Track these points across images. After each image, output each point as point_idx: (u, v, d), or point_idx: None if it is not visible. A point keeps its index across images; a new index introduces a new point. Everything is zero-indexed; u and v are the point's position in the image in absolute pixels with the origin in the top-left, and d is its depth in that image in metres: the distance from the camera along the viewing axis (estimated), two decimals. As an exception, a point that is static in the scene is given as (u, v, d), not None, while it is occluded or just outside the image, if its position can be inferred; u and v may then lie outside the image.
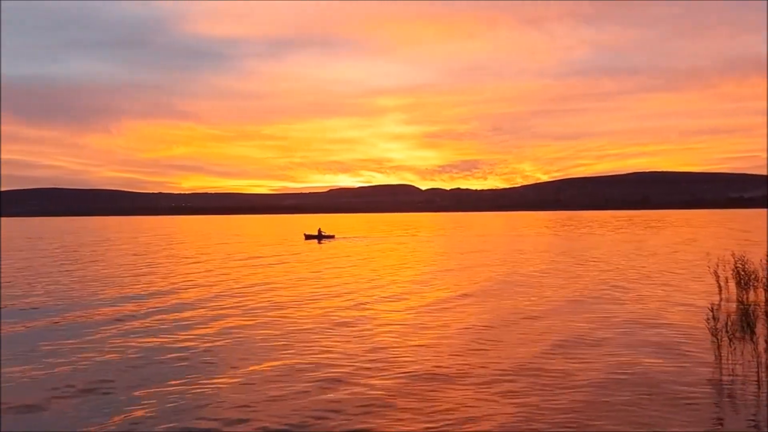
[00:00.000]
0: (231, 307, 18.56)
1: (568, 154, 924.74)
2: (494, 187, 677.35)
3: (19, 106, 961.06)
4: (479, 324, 15.35)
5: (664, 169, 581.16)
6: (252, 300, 20.05)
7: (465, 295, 20.46)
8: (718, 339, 11.53)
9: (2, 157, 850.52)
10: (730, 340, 11.35)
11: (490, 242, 53.19)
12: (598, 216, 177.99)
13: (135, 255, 42.87)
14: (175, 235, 79.93)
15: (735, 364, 11.05)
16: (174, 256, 41.57)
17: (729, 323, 11.57)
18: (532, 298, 19.54)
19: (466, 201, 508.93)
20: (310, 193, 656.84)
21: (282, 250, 47.07)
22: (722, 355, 11.39)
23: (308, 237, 63.60)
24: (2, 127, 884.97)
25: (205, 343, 13.66)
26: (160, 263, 35.38)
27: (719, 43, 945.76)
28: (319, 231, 64.43)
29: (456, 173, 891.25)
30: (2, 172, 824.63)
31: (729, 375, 10.55)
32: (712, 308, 11.94)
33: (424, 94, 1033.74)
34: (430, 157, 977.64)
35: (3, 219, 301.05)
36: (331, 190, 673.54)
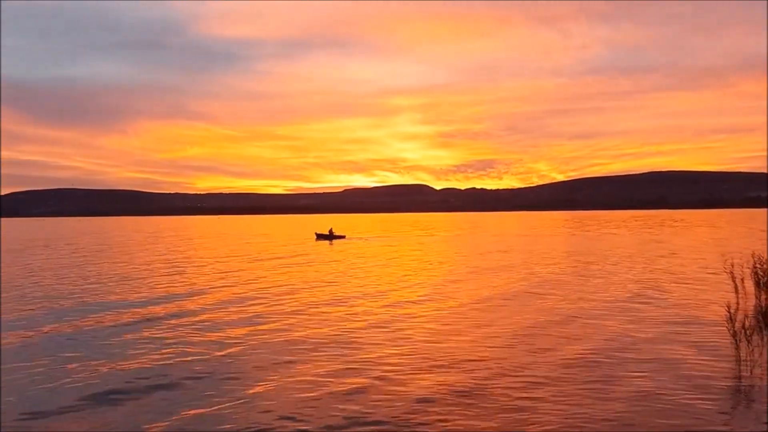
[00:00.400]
0: (268, 307, 18.56)
1: (583, 154, 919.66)
2: (510, 187, 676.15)
3: (38, 108, 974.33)
4: (518, 325, 15.18)
5: (681, 169, 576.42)
6: (290, 300, 20.01)
7: (496, 297, 20.37)
8: (736, 340, 11.49)
9: (20, 157, 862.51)
10: (748, 340, 11.30)
11: (509, 243, 52.95)
12: (614, 216, 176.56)
13: (163, 254, 43.30)
14: (195, 236, 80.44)
15: (754, 364, 10.98)
16: (199, 256, 41.79)
17: (746, 324, 11.52)
18: (566, 299, 19.21)
19: (482, 201, 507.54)
20: (324, 193, 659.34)
21: (305, 249, 47.24)
22: (741, 356, 11.34)
23: (319, 237, 63.92)
24: (20, 129, 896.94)
25: (254, 341, 13.70)
26: (189, 263, 35.46)
27: (737, 40, 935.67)
28: (330, 231, 64.75)
29: (471, 173, 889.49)
30: (21, 173, 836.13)
31: (748, 375, 10.50)
32: (729, 308, 11.90)
33: (439, 93, 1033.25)
34: (445, 157, 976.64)
35: (23, 219, 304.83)
36: (345, 190, 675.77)
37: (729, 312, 11.70)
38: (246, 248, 49.78)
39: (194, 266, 33.42)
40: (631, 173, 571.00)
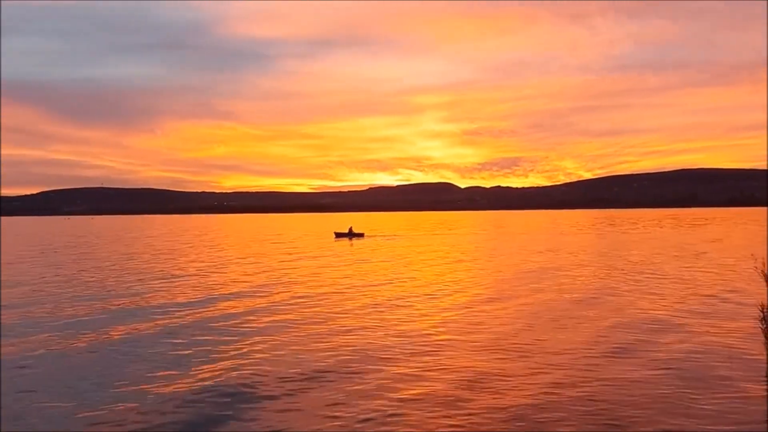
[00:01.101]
0: (326, 306, 18.67)
1: (611, 151, 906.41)
2: (535, 185, 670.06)
3: (68, 108, 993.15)
4: (556, 320, 15.30)
5: (712, 166, 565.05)
6: (339, 299, 20.09)
7: (530, 296, 20.25)
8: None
9: (51, 157, 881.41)
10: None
11: (541, 241, 52.56)
12: (644, 214, 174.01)
13: (204, 253, 43.87)
14: (226, 234, 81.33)
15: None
16: (235, 254, 42.33)
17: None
18: (614, 307, 19.11)
19: (507, 199, 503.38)
20: (348, 191, 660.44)
21: (337, 248, 47.51)
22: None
23: (339, 235, 64.01)
24: (52, 128, 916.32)
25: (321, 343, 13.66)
26: (231, 262, 35.83)
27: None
28: (350, 229, 64.97)
29: (496, 171, 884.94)
30: (51, 172, 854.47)
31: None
32: (763, 309, 11.60)
33: (464, 91, 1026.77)
34: (470, 155, 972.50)
35: (55, 218, 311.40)
36: (369, 188, 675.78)
37: (762, 311, 11.42)
38: (284, 247, 50.13)
39: (240, 265, 33.75)
40: (660, 171, 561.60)
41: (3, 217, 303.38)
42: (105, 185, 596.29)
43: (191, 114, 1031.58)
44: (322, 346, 13.04)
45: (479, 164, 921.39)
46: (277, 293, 21.37)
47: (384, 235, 66.01)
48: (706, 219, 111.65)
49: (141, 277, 26.92)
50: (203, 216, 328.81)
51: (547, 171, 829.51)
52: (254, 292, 21.85)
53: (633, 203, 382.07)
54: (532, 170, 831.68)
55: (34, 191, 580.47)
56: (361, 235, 63.38)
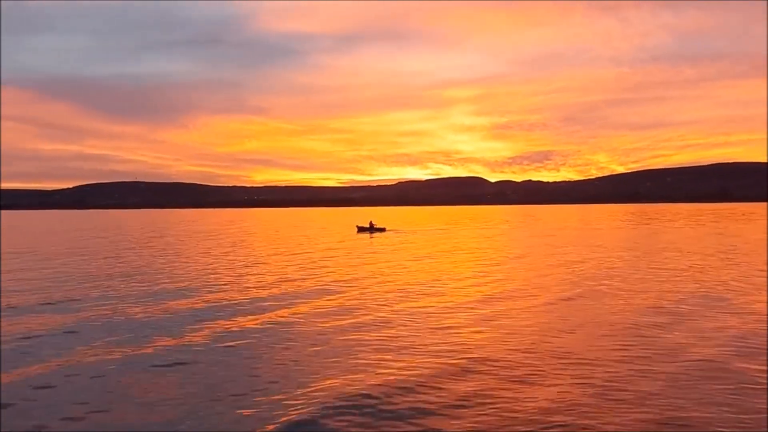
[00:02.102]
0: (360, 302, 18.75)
1: (645, 145, 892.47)
2: (567, 179, 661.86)
3: (103, 104, 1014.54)
4: (603, 319, 14.94)
5: (749, 160, 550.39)
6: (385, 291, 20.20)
7: (575, 296, 19.93)
8: None
9: (86, 152, 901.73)
10: None
11: (576, 237, 51.82)
12: (679, 209, 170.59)
13: (258, 247, 44.30)
14: (261, 228, 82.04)
15: None
16: (276, 249, 42.63)
17: None
18: (660, 295, 18.72)
19: (538, 193, 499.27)
20: (378, 185, 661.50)
21: (375, 243, 47.59)
22: None
23: (360, 229, 64.73)
24: (87, 124, 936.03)
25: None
26: (267, 257, 36.18)
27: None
28: (371, 224, 65.63)
29: (527, 165, 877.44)
30: (87, 167, 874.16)
31: None
32: None
33: (495, 84, 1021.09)
34: (500, 149, 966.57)
35: (91, 211, 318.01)
36: (398, 182, 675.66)
37: None
38: (326, 240, 50.37)
39: (278, 261, 33.94)
40: (696, 165, 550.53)
41: (47, 211, 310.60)
42: (139, 179, 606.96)
43: (223, 109, 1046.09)
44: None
45: (510, 158, 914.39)
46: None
47: (407, 231, 65.71)
48: (749, 214, 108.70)
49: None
50: (235, 210, 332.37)
51: (579, 165, 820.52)
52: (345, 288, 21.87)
53: (666, 198, 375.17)
54: (563, 164, 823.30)
55: (71, 185, 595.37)
56: (382, 230, 63.98)
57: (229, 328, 14.43)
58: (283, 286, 21.61)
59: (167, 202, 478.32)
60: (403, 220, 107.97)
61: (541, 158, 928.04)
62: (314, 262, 31.11)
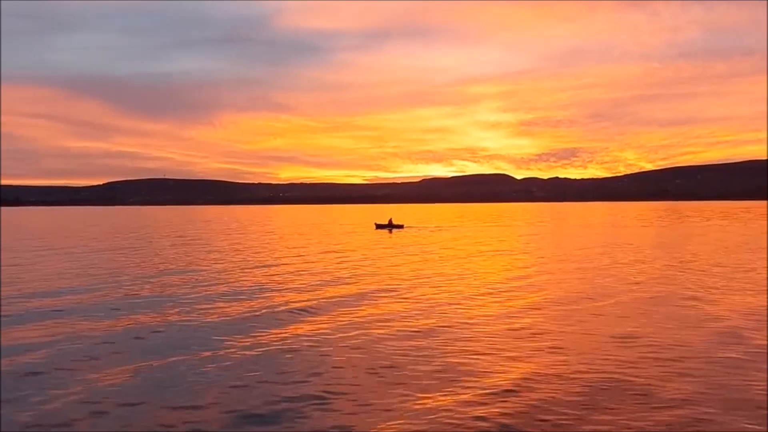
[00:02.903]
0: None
1: (675, 142, 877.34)
2: (595, 176, 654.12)
3: (132, 102, 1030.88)
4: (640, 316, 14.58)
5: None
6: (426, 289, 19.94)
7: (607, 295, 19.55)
8: None
9: (115, 149, 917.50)
10: None
11: (607, 235, 51.08)
12: (710, 207, 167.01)
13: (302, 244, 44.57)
14: (292, 225, 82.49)
15: None
16: (316, 246, 42.79)
17: None
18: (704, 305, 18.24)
19: (565, 191, 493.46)
20: (402, 183, 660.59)
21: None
22: None
23: (379, 226, 64.70)
24: (116, 122, 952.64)
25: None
26: (316, 255, 36.16)
27: None
28: (390, 221, 65.52)
29: (553, 162, 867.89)
30: (115, 164, 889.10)
31: None
32: None
33: (521, 80, 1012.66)
34: (526, 146, 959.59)
35: (120, 207, 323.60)
36: (423, 180, 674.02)
37: None
38: (359, 239, 50.41)
39: (323, 258, 34.04)
40: (727, 162, 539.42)
41: (78, 207, 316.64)
42: (167, 176, 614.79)
43: (249, 107, 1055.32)
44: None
45: (536, 155, 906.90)
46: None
47: (426, 227, 65.38)
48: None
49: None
50: (262, 207, 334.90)
51: (607, 162, 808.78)
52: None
53: (695, 196, 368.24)
54: (591, 161, 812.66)
55: (100, 182, 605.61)
56: (400, 227, 63.74)
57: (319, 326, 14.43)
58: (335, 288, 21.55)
59: (195, 199, 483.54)
60: (424, 217, 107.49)
61: (568, 155, 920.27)
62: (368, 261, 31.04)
